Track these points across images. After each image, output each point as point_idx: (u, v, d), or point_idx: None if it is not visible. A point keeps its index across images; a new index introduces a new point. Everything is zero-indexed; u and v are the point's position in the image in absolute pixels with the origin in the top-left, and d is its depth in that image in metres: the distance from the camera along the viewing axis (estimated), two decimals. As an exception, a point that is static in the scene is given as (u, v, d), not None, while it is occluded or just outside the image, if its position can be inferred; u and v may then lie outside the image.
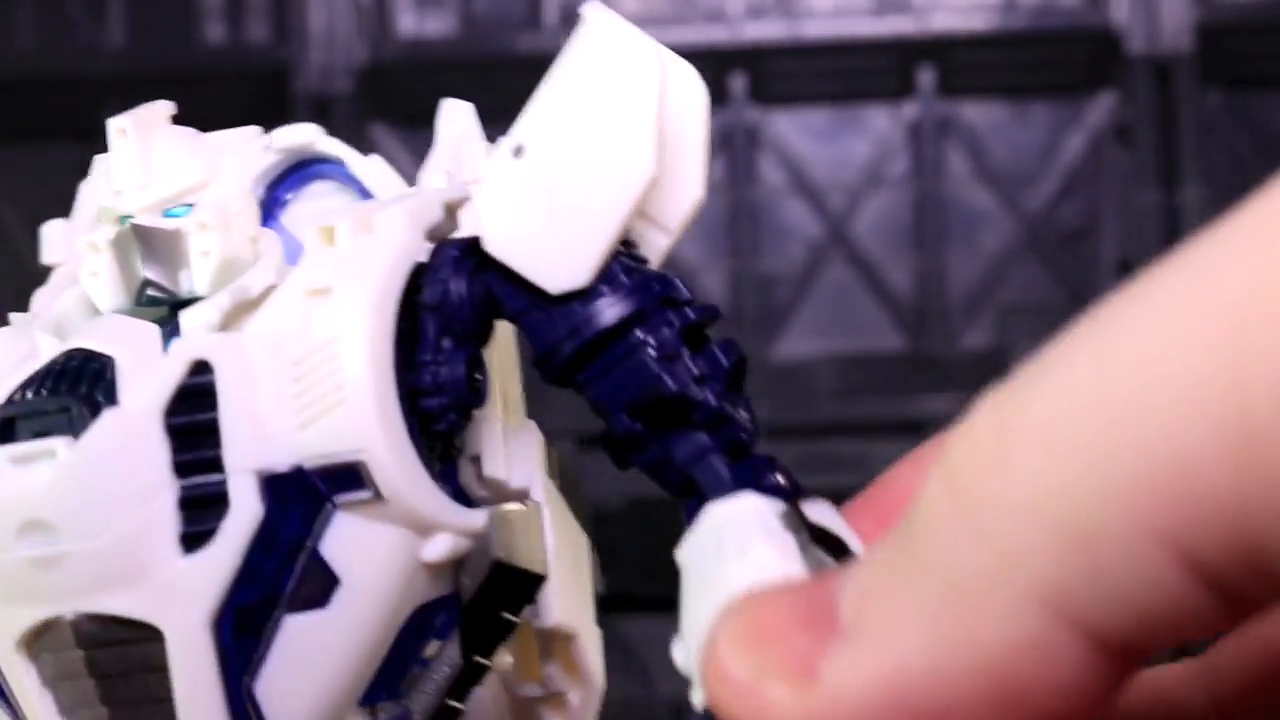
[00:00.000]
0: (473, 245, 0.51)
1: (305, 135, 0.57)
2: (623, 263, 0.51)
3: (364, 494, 0.46)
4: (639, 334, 0.50)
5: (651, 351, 0.50)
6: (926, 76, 1.78)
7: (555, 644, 0.57)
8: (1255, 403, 0.24)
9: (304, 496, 0.46)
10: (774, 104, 1.80)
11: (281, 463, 0.46)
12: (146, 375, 0.46)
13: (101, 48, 1.83)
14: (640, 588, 1.77)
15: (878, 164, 1.80)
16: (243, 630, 0.46)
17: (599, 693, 0.58)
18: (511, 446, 0.55)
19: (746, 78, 1.79)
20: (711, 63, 1.77)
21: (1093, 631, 0.26)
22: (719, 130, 1.79)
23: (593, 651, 0.59)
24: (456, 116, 0.56)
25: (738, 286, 1.79)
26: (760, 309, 1.80)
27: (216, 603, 0.45)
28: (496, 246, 0.50)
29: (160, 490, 0.45)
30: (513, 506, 0.52)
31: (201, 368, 0.46)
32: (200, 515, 0.46)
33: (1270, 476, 0.24)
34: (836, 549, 0.48)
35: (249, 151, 0.54)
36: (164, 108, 0.54)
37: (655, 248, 0.52)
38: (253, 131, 0.56)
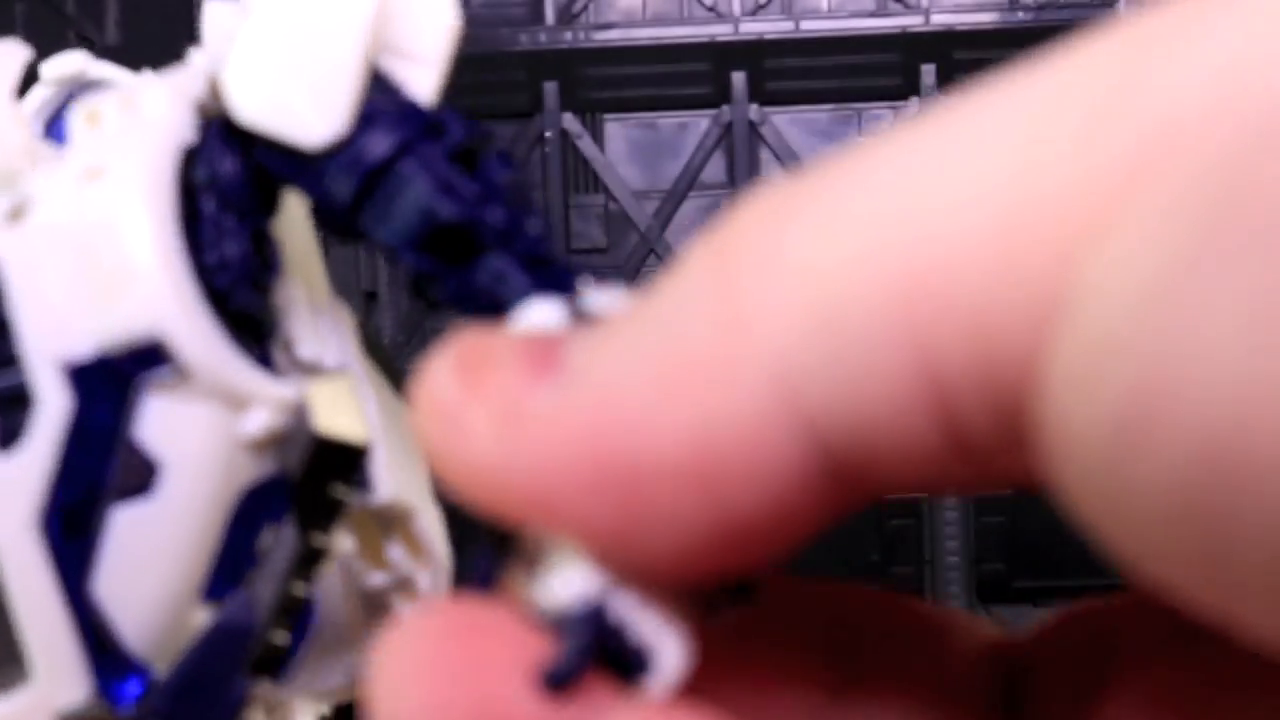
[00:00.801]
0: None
1: (75, 64, 0.56)
2: (375, 103, 0.49)
3: (168, 371, 0.45)
4: (409, 166, 0.49)
5: (424, 182, 0.49)
6: (929, 73, 1.77)
7: (394, 525, 0.55)
8: (1024, 213, 0.23)
9: (111, 382, 0.45)
10: (775, 101, 1.79)
11: (82, 351, 0.44)
12: None
13: (98, 49, 1.82)
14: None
15: (880, 162, 1.79)
16: (71, 530, 0.45)
17: (447, 571, 0.56)
18: (321, 327, 0.54)
19: (747, 75, 1.78)
20: (712, 60, 1.77)
21: (815, 426, 0.24)
22: (719, 127, 1.78)
23: (434, 529, 0.57)
24: (218, 16, 0.54)
25: (739, 286, 1.78)
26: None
27: (39, 505, 0.44)
28: (247, 117, 0.49)
29: None
30: (325, 378, 0.51)
31: None
32: (10, 413, 0.45)
33: (1020, 294, 0.22)
34: None
35: (9, 67, 0.52)
36: None
37: (423, 84, 0.51)
38: (15, 48, 0.54)
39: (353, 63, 0.49)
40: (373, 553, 0.53)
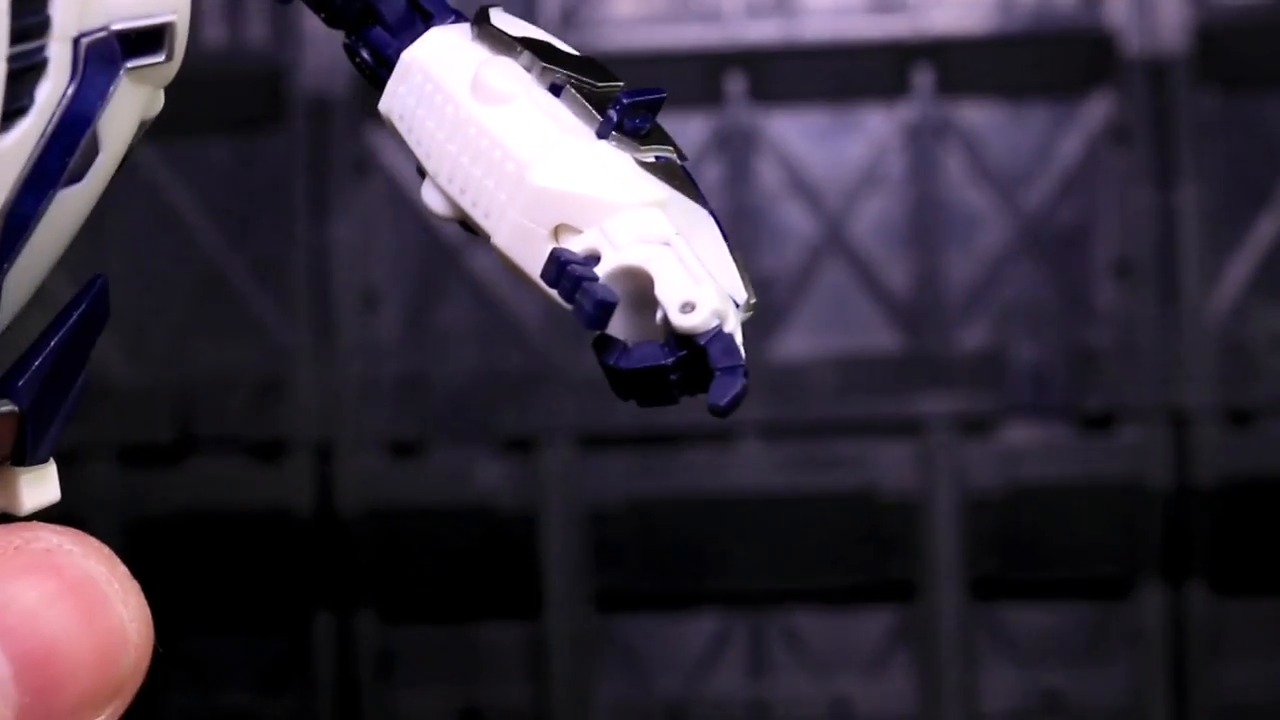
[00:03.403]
0: None
1: None
2: None
3: (158, 58, 0.43)
4: None
5: None
6: (923, 77, 1.78)
7: None
8: None
9: (103, 62, 0.42)
10: (771, 104, 1.80)
11: (95, 25, 0.42)
12: None
13: None
14: (640, 587, 1.78)
15: (875, 164, 1.81)
16: (22, 214, 0.42)
17: None
18: None
19: (743, 78, 1.79)
20: (708, 63, 1.78)
21: None
22: (715, 131, 1.80)
23: None
24: None
25: (736, 287, 1.79)
26: (758, 309, 1.80)
27: (17, 185, 0.41)
28: None
29: None
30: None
31: None
32: (18, 91, 0.41)
33: None
34: (547, 52, 0.49)
35: None
36: None
37: None
38: None
39: None
40: None
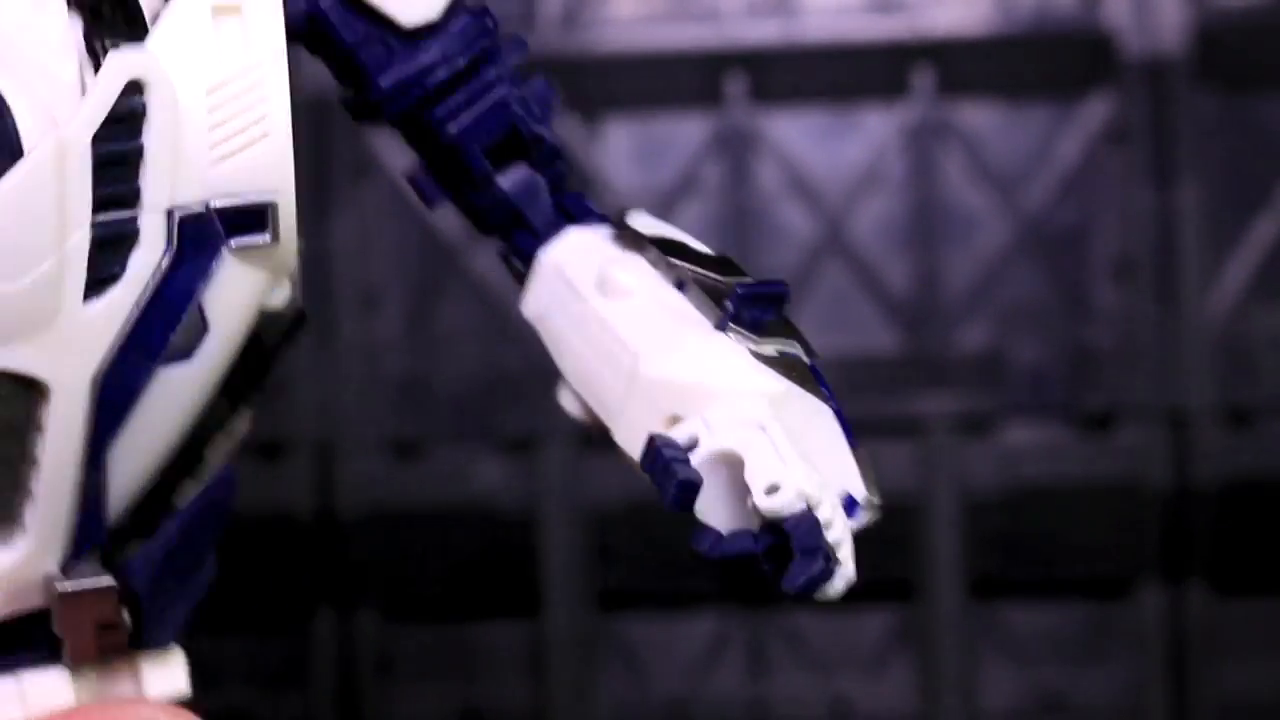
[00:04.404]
0: None
1: None
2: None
3: (263, 238, 0.43)
4: (492, 71, 0.49)
5: (506, 89, 0.49)
6: (923, 78, 1.78)
7: None
8: None
9: (203, 238, 0.42)
10: (771, 105, 1.80)
11: (192, 200, 0.42)
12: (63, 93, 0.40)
13: None
14: (640, 587, 1.78)
15: (874, 165, 1.81)
16: (118, 385, 0.42)
17: None
18: None
19: (743, 79, 1.79)
20: (708, 63, 1.78)
21: None
22: (715, 132, 1.80)
23: None
24: None
25: (735, 287, 1.79)
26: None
27: (107, 355, 0.42)
28: None
29: (79, 226, 0.40)
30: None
31: (134, 88, 0.41)
32: (107, 259, 0.41)
33: None
34: (678, 250, 0.49)
35: None
36: None
37: None
38: None
39: None
40: None
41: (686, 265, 0.48)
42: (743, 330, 0.47)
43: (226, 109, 0.42)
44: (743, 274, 0.49)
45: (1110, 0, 1.75)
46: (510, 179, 0.51)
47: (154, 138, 0.41)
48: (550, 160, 0.51)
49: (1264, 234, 1.77)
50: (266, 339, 0.45)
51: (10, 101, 0.40)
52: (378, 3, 0.48)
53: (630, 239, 0.50)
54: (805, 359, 0.48)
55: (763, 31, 1.78)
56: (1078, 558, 1.77)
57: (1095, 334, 1.78)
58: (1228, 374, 1.75)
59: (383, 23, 0.48)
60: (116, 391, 0.42)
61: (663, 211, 1.62)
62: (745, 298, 0.47)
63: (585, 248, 0.50)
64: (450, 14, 0.49)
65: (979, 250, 1.80)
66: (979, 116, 1.81)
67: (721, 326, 0.47)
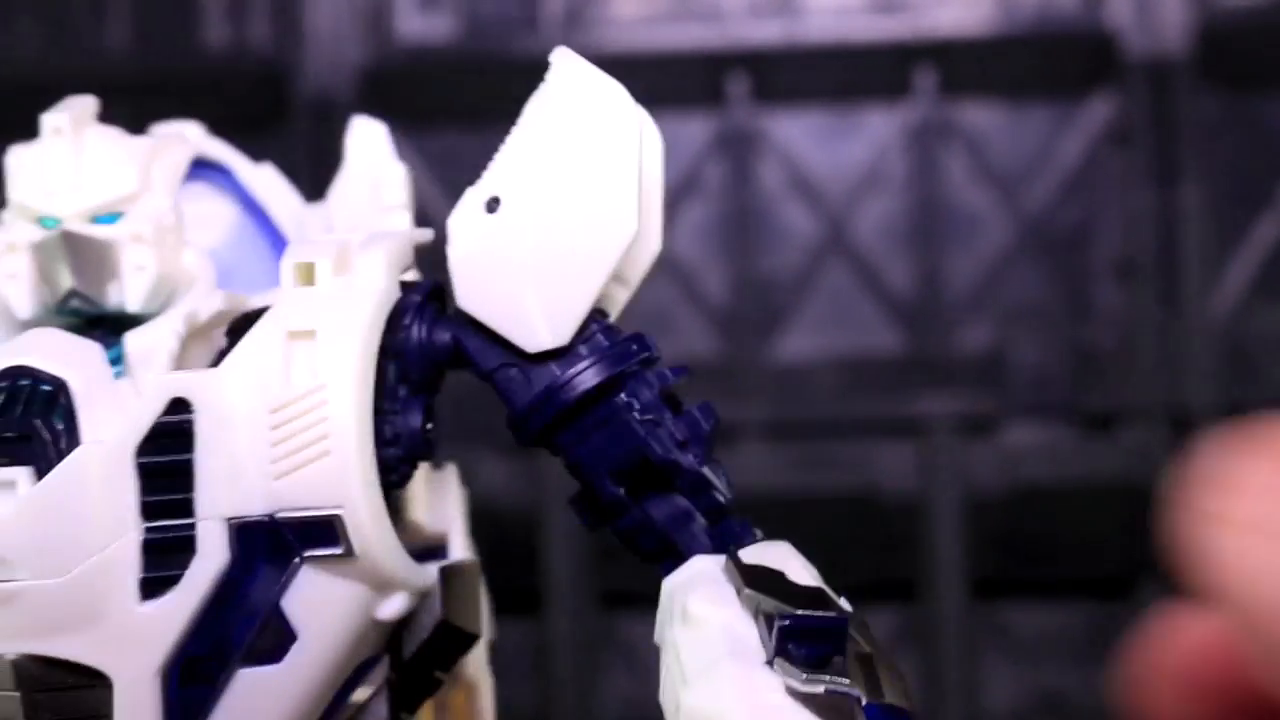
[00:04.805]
0: (434, 291, 0.50)
1: (190, 134, 0.55)
2: (599, 321, 0.50)
3: (335, 550, 0.45)
4: (622, 397, 0.50)
5: (636, 415, 0.50)
6: (925, 78, 1.78)
7: (453, 695, 0.56)
8: None
9: (271, 548, 0.44)
10: (773, 105, 1.81)
11: (254, 511, 0.44)
12: (106, 405, 0.44)
13: (103, 50, 1.83)
14: (642, 587, 1.78)
15: (877, 165, 1.81)
16: (191, 680, 0.44)
17: None
18: (433, 490, 0.54)
19: (746, 79, 1.79)
20: (710, 64, 1.78)
21: None
22: (718, 132, 1.80)
23: (488, 698, 0.60)
24: (368, 137, 0.54)
25: (738, 287, 1.80)
26: (760, 310, 1.81)
27: (170, 652, 0.44)
28: (471, 303, 0.49)
29: (125, 532, 0.43)
30: (455, 564, 0.51)
31: (179, 405, 0.44)
32: (163, 561, 0.43)
33: None
34: (777, 585, 0.50)
35: (176, 158, 0.52)
36: (91, 103, 0.53)
37: (615, 301, 0.51)
38: (176, 135, 0.54)
39: (597, 283, 0.49)
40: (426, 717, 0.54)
41: (761, 595, 0.49)
42: (788, 664, 0.47)
43: (289, 428, 0.44)
44: (830, 606, 0.50)
45: (1112, 1, 1.75)
46: (660, 507, 0.52)
47: (203, 452, 0.43)
48: (699, 489, 0.51)
49: (1266, 234, 1.77)
50: (406, 648, 0.48)
51: (78, 403, 0.43)
52: (503, 330, 0.50)
53: (732, 567, 0.50)
54: (860, 697, 0.48)
55: (765, 32, 1.78)
56: (1079, 558, 1.77)
57: (1097, 334, 1.78)
58: (1229, 374, 1.75)
59: (513, 349, 0.50)
60: (186, 683, 0.44)
61: (664, 211, 1.62)
62: (789, 631, 0.48)
63: (695, 577, 0.51)
64: (580, 338, 0.50)
65: (981, 250, 1.80)
66: (981, 116, 1.81)
67: (769, 660, 0.48)
